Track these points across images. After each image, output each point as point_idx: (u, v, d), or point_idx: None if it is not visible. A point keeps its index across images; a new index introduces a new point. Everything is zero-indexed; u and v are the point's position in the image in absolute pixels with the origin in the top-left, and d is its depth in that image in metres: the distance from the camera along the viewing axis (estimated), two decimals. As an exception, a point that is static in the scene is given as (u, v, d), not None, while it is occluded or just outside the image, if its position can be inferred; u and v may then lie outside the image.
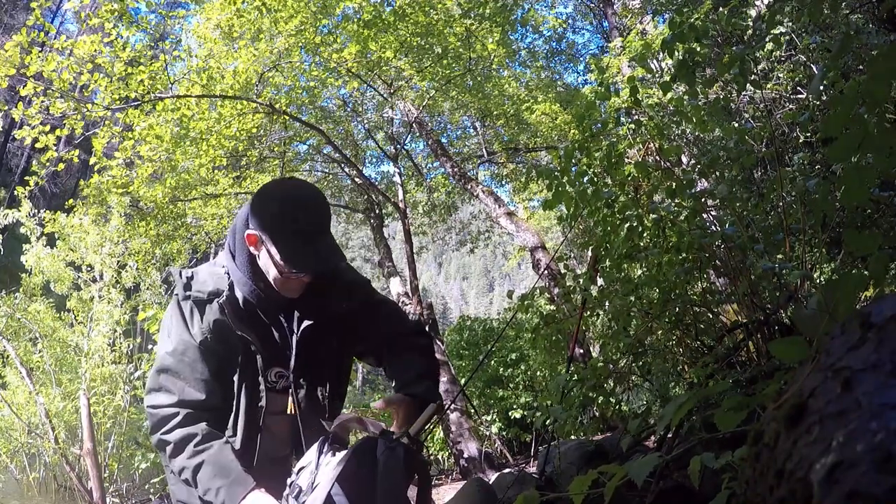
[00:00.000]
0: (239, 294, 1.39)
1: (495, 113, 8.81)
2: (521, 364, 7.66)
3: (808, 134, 4.93)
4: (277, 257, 1.29)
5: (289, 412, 1.44)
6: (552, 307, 5.78)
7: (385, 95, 7.99)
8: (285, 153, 8.02)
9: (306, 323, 1.43)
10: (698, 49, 2.38)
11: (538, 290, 6.10)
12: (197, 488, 1.31)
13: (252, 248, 1.35)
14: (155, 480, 6.39)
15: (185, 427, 1.34)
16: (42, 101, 4.96)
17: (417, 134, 9.08)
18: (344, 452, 1.29)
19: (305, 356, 1.44)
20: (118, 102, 5.26)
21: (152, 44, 6.20)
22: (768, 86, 5.60)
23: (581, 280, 3.38)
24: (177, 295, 1.40)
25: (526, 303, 3.66)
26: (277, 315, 1.44)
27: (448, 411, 6.11)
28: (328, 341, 1.47)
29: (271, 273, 1.35)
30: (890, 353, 0.47)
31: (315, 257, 1.30)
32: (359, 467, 1.23)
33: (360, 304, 1.51)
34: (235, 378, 1.40)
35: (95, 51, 5.02)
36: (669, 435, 2.38)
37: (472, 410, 6.80)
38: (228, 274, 1.40)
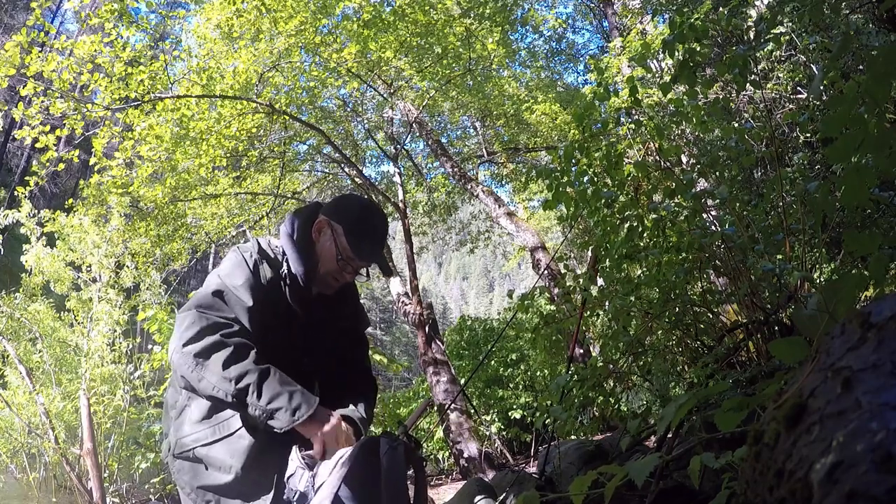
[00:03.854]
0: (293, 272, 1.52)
1: (495, 113, 8.81)
2: (521, 364, 7.66)
3: (808, 134, 4.93)
4: (345, 244, 1.49)
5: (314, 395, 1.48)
6: (552, 307, 5.78)
7: (385, 95, 7.99)
8: (285, 153, 8.01)
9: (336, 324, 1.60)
10: (698, 49, 2.38)
11: (538, 290, 6.10)
12: (259, 396, 1.26)
13: (315, 234, 1.54)
14: (155, 480, 6.38)
15: (243, 338, 1.33)
16: (42, 101, 4.96)
17: (417, 134, 9.08)
18: (342, 452, 1.31)
19: (324, 348, 1.57)
20: (118, 102, 5.25)
21: (152, 44, 6.20)
22: (768, 86, 5.60)
23: (581, 280, 3.38)
24: (238, 248, 1.50)
25: (526, 303, 3.66)
26: (308, 305, 1.55)
27: (448, 411, 6.11)
28: (336, 342, 1.60)
29: (325, 260, 1.52)
30: (890, 353, 0.47)
31: (375, 254, 1.52)
32: (363, 466, 1.26)
33: (359, 330, 1.71)
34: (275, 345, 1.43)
35: (95, 51, 5.01)
36: (669, 435, 2.38)
37: (472, 410, 6.80)
38: (284, 254, 1.52)
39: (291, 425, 1.26)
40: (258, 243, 1.50)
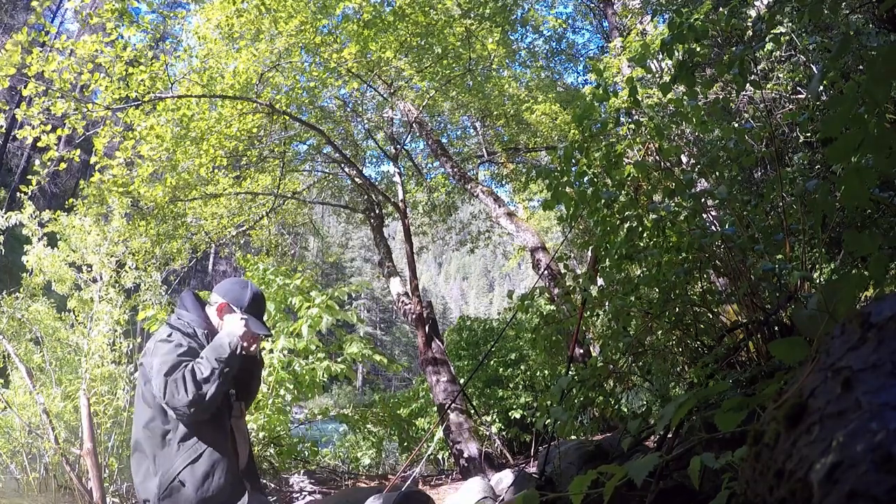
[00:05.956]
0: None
1: (495, 113, 8.80)
2: (521, 364, 7.65)
3: (808, 134, 4.93)
4: (245, 323, 2.21)
5: (241, 417, 2.23)
6: (552, 307, 5.78)
7: (385, 95, 7.99)
8: (285, 153, 8.00)
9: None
10: (698, 49, 2.38)
11: (538, 290, 6.10)
12: (211, 362, 1.99)
13: (216, 313, 2.23)
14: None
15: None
16: (43, 101, 4.96)
17: (417, 134, 9.08)
18: None
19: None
20: (119, 102, 5.25)
21: (153, 44, 6.19)
22: (768, 86, 5.60)
23: (581, 280, 3.38)
24: (163, 331, 2.16)
25: (526, 303, 3.66)
26: None
27: (448, 411, 6.11)
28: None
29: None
30: (890, 353, 0.47)
31: (264, 328, 2.26)
32: None
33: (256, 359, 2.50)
34: None
35: (96, 51, 5.02)
36: (669, 435, 2.38)
37: (472, 410, 6.79)
38: (191, 323, 2.23)
39: (238, 347, 2.07)
40: (168, 324, 2.18)
